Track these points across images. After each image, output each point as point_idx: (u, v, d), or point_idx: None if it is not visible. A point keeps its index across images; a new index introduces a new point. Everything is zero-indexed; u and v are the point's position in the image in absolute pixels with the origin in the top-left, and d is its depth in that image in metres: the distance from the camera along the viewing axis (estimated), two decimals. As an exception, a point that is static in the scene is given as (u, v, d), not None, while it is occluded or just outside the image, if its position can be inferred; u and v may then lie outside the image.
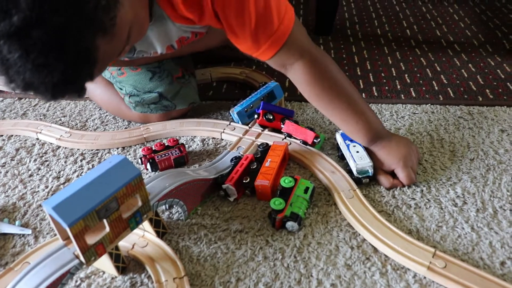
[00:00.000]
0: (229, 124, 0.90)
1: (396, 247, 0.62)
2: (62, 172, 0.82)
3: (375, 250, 0.63)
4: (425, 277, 0.59)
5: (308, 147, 0.83)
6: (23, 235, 0.69)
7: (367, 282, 0.59)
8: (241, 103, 0.91)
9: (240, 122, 0.90)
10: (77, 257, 0.54)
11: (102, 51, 0.53)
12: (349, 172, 0.76)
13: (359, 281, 0.59)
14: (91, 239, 0.54)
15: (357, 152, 0.76)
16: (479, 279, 0.57)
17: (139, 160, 0.82)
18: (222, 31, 0.73)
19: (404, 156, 0.75)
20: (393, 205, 0.71)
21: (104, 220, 0.54)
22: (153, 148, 0.81)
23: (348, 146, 0.78)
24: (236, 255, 0.63)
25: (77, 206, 0.51)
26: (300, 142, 0.84)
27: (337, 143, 0.83)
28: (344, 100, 0.75)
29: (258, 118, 0.87)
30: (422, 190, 0.74)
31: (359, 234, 0.66)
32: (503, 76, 1.10)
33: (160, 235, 0.66)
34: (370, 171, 0.74)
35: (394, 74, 1.12)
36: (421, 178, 0.76)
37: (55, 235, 0.69)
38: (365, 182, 0.75)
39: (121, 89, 0.92)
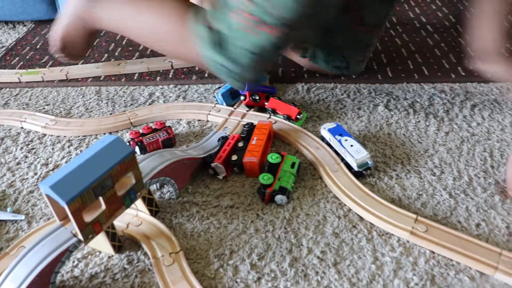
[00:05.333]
0: (214, 106, 0.92)
1: (380, 214, 0.65)
2: (50, 159, 0.82)
3: (361, 218, 0.67)
4: (408, 241, 0.63)
5: (291, 124, 0.85)
6: (16, 221, 0.70)
7: (354, 248, 0.62)
8: (225, 85, 0.93)
9: (225, 104, 0.92)
10: (74, 235, 0.56)
11: None
12: (348, 166, 0.74)
13: (347, 247, 0.62)
14: (88, 217, 0.55)
15: (351, 146, 0.75)
16: (458, 240, 0.61)
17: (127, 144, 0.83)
18: None
19: None
20: (375, 177, 0.74)
21: (100, 198, 0.56)
22: (141, 132, 0.82)
23: (340, 141, 0.77)
24: (229, 229, 0.66)
25: (74, 184, 0.52)
26: (284, 117, 0.86)
27: (326, 140, 0.81)
28: None
29: (244, 99, 0.89)
30: (402, 162, 0.78)
31: (345, 205, 0.69)
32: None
33: (153, 213, 0.68)
34: (370, 162, 0.73)
35: (370, 55, 1.15)
36: (401, 151, 0.80)
37: (49, 219, 0.70)
38: (366, 174, 0.74)
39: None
